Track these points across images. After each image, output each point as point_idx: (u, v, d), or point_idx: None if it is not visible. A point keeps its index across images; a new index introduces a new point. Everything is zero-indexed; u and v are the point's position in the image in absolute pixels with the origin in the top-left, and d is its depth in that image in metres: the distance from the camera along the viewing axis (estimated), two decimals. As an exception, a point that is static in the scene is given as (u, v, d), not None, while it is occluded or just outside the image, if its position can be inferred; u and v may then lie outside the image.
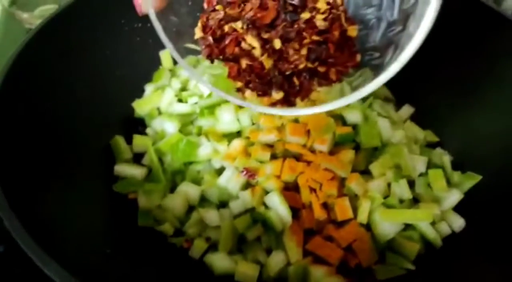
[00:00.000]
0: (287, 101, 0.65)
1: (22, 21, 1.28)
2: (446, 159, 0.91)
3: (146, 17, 1.02)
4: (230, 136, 0.92)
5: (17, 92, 0.76)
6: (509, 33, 0.89)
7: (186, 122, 0.96)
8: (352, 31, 0.65)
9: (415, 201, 0.88)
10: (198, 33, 0.67)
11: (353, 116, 0.90)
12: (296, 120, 0.89)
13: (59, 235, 0.66)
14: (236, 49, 0.63)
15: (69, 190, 0.77)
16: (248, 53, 0.62)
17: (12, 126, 0.72)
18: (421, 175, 0.89)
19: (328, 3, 0.62)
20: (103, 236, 0.75)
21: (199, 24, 0.67)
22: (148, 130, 0.99)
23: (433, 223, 0.82)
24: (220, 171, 0.87)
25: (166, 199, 0.86)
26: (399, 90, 1.10)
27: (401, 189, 0.84)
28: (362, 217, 0.81)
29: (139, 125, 1.01)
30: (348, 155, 0.85)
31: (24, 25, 1.30)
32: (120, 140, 0.93)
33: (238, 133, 0.93)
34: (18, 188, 0.65)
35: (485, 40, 0.94)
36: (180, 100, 1.00)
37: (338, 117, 0.91)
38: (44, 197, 0.70)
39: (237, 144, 0.89)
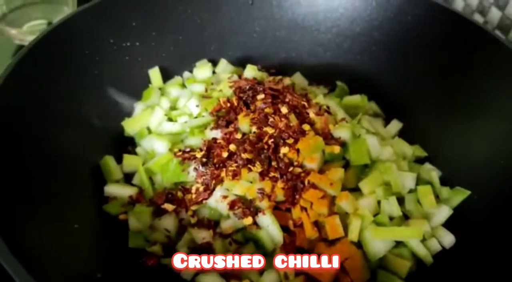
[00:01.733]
0: None
1: (11, 37, 1.28)
2: (434, 174, 0.92)
3: (134, 36, 1.04)
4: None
5: (5, 112, 0.75)
6: (496, 50, 0.90)
7: (176, 141, 0.96)
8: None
9: (406, 217, 0.88)
10: None
11: (342, 134, 0.90)
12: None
13: (47, 260, 0.65)
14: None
15: (58, 212, 0.76)
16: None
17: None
18: (410, 191, 0.90)
19: None
20: (93, 260, 0.74)
21: None
22: (138, 149, 0.99)
23: (423, 240, 0.83)
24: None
25: (157, 219, 0.85)
26: (387, 105, 1.12)
27: (391, 206, 0.85)
28: (353, 235, 0.81)
29: (129, 144, 1.01)
30: (338, 173, 0.86)
31: (13, 41, 1.29)
32: (110, 160, 0.93)
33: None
34: (5, 212, 0.64)
35: (473, 56, 0.96)
36: (170, 119, 1.01)
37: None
38: (32, 220, 0.69)
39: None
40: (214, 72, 1.13)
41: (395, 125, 1.06)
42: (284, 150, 0.85)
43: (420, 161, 1.00)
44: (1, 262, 0.57)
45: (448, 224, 0.87)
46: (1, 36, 1.29)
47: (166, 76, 1.11)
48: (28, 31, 1.28)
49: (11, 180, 0.70)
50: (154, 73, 1.08)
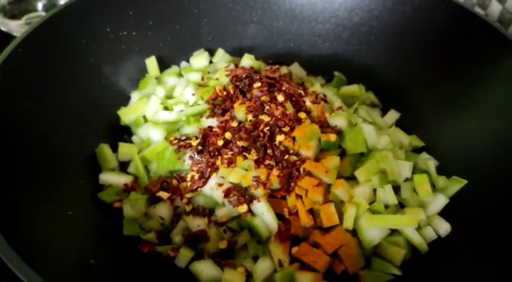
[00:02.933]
0: None
1: (9, 29, 1.28)
2: (431, 163, 0.92)
3: (131, 25, 1.04)
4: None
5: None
6: (495, 40, 0.90)
7: (172, 130, 0.96)
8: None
9: (401, 206, 0.88)
10: None
11: (338, 122, 0.90)
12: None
13: (41, 246, 0.65)
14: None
15: (52, 199, 0.76)
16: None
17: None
18: (406, 180, 0.89)
19: None
20: (87, 246, 0.74)
21: None
22: (134, 138, 0.98)
23: (419, 228, 0.83)
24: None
25: (152, 207, 0.85)
26: (385, 95, 1.11)
27: (387, 195, 0.84)
28: (348, 223, 0.81)
29: (124, 133, 1.01)
30: (333, 161, 0.85)
31: (11, 33, 1.29)
32: (105, 148, 0.93)
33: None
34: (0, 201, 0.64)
35: (471, 46, 0.95)
36: (166, 108, 1.00)
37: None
38: (26, 207, 0.69)
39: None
40: (211, 62, 1.13)
41: (393, 115, 1.06)
42: (280, 137, 0.85)
43: (417, 151, 1.00)
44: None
45: (444, 213, 0.87)
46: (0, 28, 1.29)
47: (163, 65, 1.11)
48: (26, 23, 1.28)
49: (5, 167, 0.70)
50: (151, 63, 1.08)
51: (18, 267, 0.56)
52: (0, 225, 0.59)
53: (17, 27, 1.28)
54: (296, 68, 1.15)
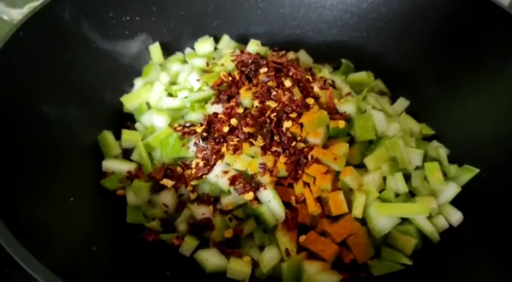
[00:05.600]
0: None
1: (10, 18, 1.26)
2: (442, 151, 0.89)
3: (134, 10, 1.01)
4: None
5: (2, 86, 0.73)
6: (505, 25, 0.87)
7: (176, 116, 0.94)
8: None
9: (411, 195, 0.86)
10: None
11: (347, 108, 0.87)
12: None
13: (43, 233, 0.64)
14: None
15: (54, 186, 0.74)
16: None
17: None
18: (417, 168, 0.87)
19: None
20: (89, 233, 0.72)
21: None
22: (137, 125, 0.96)
23: (430, 217, 0.80)
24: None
25: (156, 195, 0.83)
26: (394, 83, 1.09)
27: (397, 183, 0.82)
28: (357, 211, 0.78)
29: (127, 120, 0.99)
30: (342, 148, 0.83)
31: (12, 22, 1.27)
32: (108, 135, 0.91)
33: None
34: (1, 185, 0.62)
35: (481, 31, 0.93)
36: (170, 95, 0.98)
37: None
38: (28, 195, 0.68)
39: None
40: (216, 48, 1.11)
41: (402, 103, 1.03)
42: (287, 124, 0.83)
43: (427, 140, 0.97)
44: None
45: (456, 202, 0.84)
46: (1, 17, 1.27)
47: (167, 52, 1.08)
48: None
49: (8, 154, 0.68)
50: (155, 49, 1.06)
51: (19, 254, 0.55)
52: (2, 212, 0.57)
53: (18, 16, 1.26)
54: (303, 56, 1.12)
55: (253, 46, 1.03)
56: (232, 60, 0.95)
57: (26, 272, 0.54)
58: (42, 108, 0.81)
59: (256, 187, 0.80)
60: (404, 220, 0.80)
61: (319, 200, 0.81)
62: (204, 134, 0.85)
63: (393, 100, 1.07)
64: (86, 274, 0.60)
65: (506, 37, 0.88)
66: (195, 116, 0.91)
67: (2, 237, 0.56)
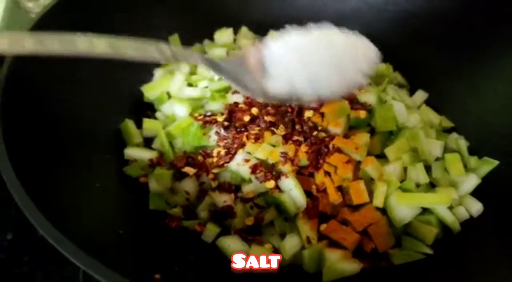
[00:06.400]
0: None
1: (27, 10, 1.27)
2: (462, 143, 0.90)
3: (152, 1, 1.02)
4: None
5: (25, 80, 0.74)
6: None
7: (196, 106, 0.94)
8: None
9: (432, 186, 0.86)
10: None
11: (368, 98, 0.88)
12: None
13: (73, 217, 0.65)
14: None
15: (81, 173, 0.76)
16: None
17: (24, 113, 0.71)
18: (437, 159, 0.87)
19: None
20: (116, 218, 0.74)
21: None
22: (157, 114, 0.97)
23: (450, 208, 0.81)
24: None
25: (177, 182, 0.84)
26: (412, 76, 1.09)
27: (418, 173, 0.82)
28: (378, 201, 0.79)
29: (148, 109, 1.00)
30: (363, 138, 0.84)
31: (29, 14, 1.28)
32: (130, 124, 0.92)
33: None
34: (32, 173, 0.63)
35: (499, 23, 0.93)
36: (190, 84, 0.99)
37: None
38: (57, 180, 0.69)
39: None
40: (234, 40, 1.11)
41: (421, 95, 1.03)
42: (308, 113, 0.83)
43: (446, 132, 0.97)
44: (30, 220, 0.56)
45: (476, 194, 0.85)
46: (18, 9, 1.28)
47: (186, 43, 1.09)
48: (44, 4, 1.27)
49: (38, 142, 0.70)
50: (174, 40, 1.06)
51: (50, 234, 0.56)
52: (33, 196, 0.58)
53: (35, 8, 1.27)
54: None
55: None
56: (253, 50, 0.95)
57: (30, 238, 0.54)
58: (67, 98, 0.82)
59: (277, 175, 0.80)
60: (425, 210, 0.80)
61: (340, 189, 0.81)
62: (226, 123, 0.86)
63: (411, 93, 1.07)
64: (115, 256, 0.61)
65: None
66: (216, 105, 0.92)
67: (37, 220, 0.57)
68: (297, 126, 0.83)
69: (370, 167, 0.81)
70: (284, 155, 0.81)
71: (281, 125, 0.82)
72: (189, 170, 0.84)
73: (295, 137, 0.82)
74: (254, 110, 0.85)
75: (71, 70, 0.84)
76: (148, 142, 0.93)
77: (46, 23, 0.80)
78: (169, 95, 0.98)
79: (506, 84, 0.92)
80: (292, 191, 0.79)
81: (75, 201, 0.69)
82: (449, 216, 0.79)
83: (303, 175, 0.83)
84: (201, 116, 0.89)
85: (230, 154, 0.84)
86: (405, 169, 0.84)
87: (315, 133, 0.82)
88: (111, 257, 0.60)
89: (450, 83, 1.02)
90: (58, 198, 0.66)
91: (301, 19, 1.15)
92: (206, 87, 0.96)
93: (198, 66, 1.02)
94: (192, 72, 1.02)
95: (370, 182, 0.82)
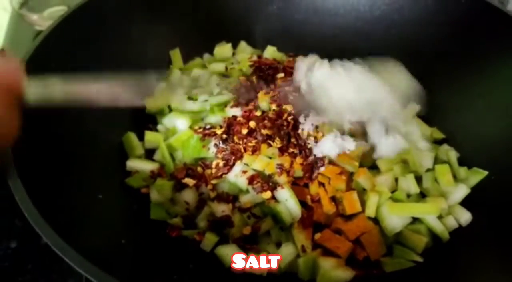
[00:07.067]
0: None
1: (31, 22, 1.31)
2: (452, 154, 0.93)
3: (155, 17, 1.06)
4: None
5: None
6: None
7: (196, 119, 0.98)
8: None
9: (422, 196, 0.89)
10: None
11: (361, 113, 0.91)
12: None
13: (77, 227, 0.68)
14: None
15: (85, 184, 0.79)
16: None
17: (30, 126, 0.73)
18: (428, 170, 0.90)
19: None
20: (118, 227, 0.77)
21: None
22: (159, 127, 1.01)
23: (440, 217, 0.84)
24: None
25: (178, 193, 0.87)
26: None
27: (408, 184, 0.86)
28: (370, 211, 0.82)
29: (149, 122, 1.03)
30: (355, 150, 0.87)
31: (33, 26, 1.32)
32: (132, 136, 0.95)
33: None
34: (37, 183, 0.66)
35: (492, 39, 0.96)
36: (190, 98, 1.02)
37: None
38: (62, 190, 0.72)
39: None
40: (233, 54, 1.15)
41: (412, 107, 1.06)
42: (303, 126, 0.87)
43: (437, 143, 1.00)
44: (35, 227, 0.59)
45: (465, 203, 0.88)
46: (22, 21, 1.32)
47: (187, 57, 1.13)
48: (48, 17, 1.31)
49: (43, 154, 0.73)
50: (175, 54, 1.10)
51: (54, 243, 0.59)
52: (38, 206, 0.61)
53: (39, 21, 1.31)
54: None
55: (270, 52, 1.07)
56: (250, 66, 0.99)
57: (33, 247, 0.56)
58: (71, 112, 0.84)
59: (273, 186, 0.84)
60: (415, 220, 0.84)
61: (333, 199, 0.85)
62: (224, 136, 0.90)
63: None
64: (118, 264, 0.64)
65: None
66: (215, 119, 0.95)
67: (42, 229, 0.60)
68: (293, 139, 0.87)
69: (363, 178, 0.84)
70: (280, 166, 0.84)
71: (277, 138, 0.86)
72: (189, 181, 0.88)
73: (291, 150, 0.86)
74: (252, 124, 0.89)
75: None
76: (149, 154, 0.96)
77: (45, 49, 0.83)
78: (170, 108, 1.02)
79: (496, 96, 0.94)
80: (287, 201, 0.82)
81: (79, 211, 0.72)
82: (439, 225, 0.82)
83: (298, 185, 0.86)
84: (201, 129, 0.93)
85: (228, 165, 0.87)
86: (396, 180, 0.87)
87: (309, 146, 0.86)
88: (113, 265, 0.63)
89: (441, 95, 1.04)
90: (62, 208, 0.68)
91: (297, 35, 1.20)
92: (206, 100, 0.99)
93: (199, 81, 1.05)
94: (192, 86, 1.05)
95: (362, 193, 0.85)
